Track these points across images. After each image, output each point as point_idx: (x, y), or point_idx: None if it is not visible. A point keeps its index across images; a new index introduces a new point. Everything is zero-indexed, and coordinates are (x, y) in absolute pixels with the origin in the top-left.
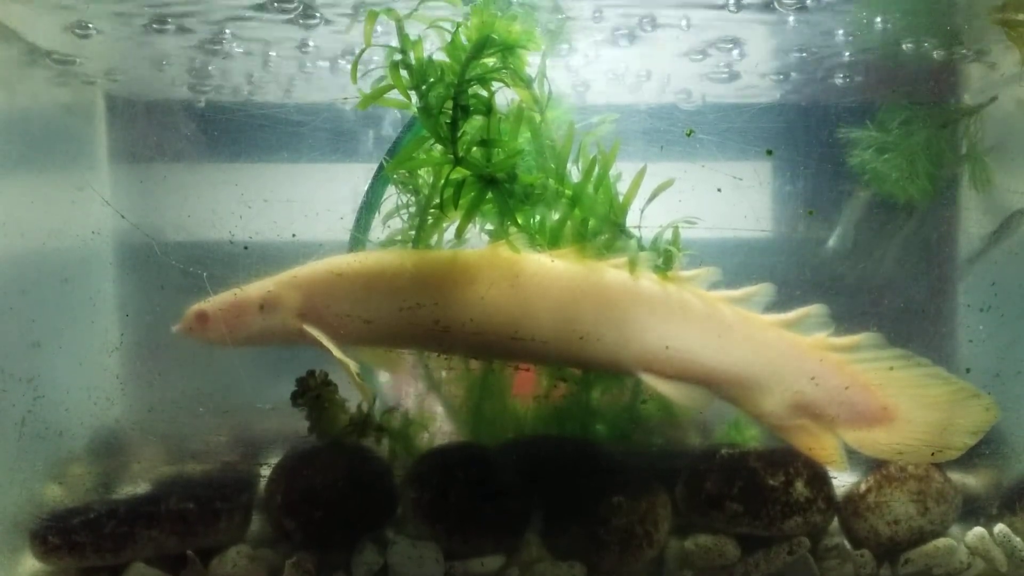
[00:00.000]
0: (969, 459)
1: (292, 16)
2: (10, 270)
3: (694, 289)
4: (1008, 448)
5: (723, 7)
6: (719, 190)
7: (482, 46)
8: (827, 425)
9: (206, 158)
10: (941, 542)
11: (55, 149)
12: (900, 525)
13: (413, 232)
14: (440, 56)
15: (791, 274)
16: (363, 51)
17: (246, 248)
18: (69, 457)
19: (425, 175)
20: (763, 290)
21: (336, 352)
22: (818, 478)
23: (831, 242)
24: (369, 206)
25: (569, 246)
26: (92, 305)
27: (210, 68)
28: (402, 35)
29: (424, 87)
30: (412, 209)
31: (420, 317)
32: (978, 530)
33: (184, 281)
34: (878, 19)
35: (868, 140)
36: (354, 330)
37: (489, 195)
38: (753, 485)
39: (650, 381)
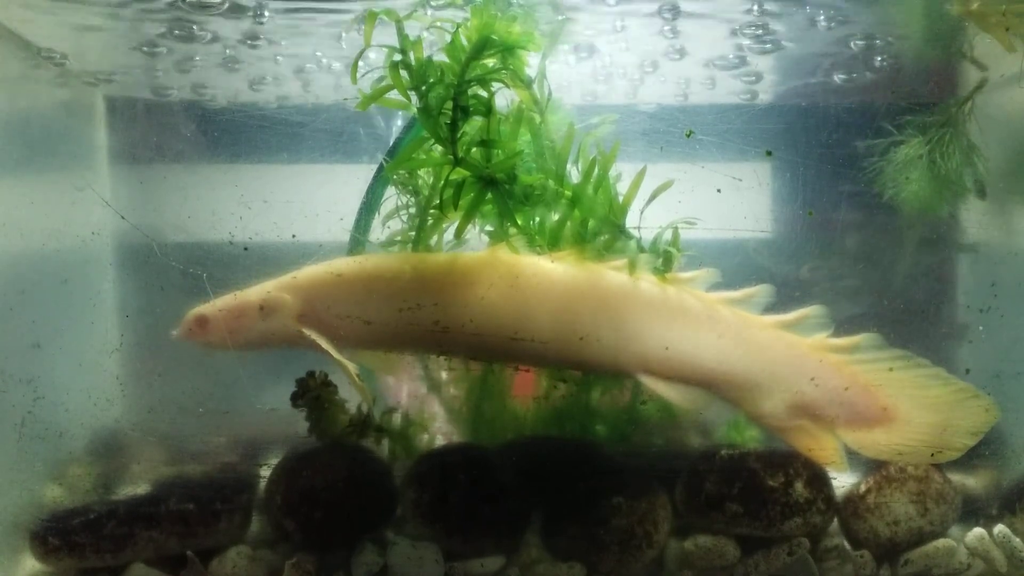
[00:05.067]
0: (969, 460)
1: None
2: (10, 271)
3: (693, 290)
4: (1008, 449)
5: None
6: (719, 191)
7: (482, 47)
8: (827, 426)
9: (206, 159)
10: (941, 543)
11: (55, 150)
12: (900, 526)
13: (413, 233)
14: (440, 57)
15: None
16: (363, 51)
17: (246, 249)
18: (69, 458)
19: (425, 176)
20: (762, 291)
21: (336, 354)
22: (818, 479)
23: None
24: (369, 207)
25: (569, 247)
26: (92, 306)
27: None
28: (402, 35)
29: (424, 88)
30: (412, 210)
31: (420, 318)
32: (978, 531)
33: (184, 282)
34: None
35: (899, 155)
36: (354, 332)
37: (489, 196)
38: (753, 486)
39: (649, 382)
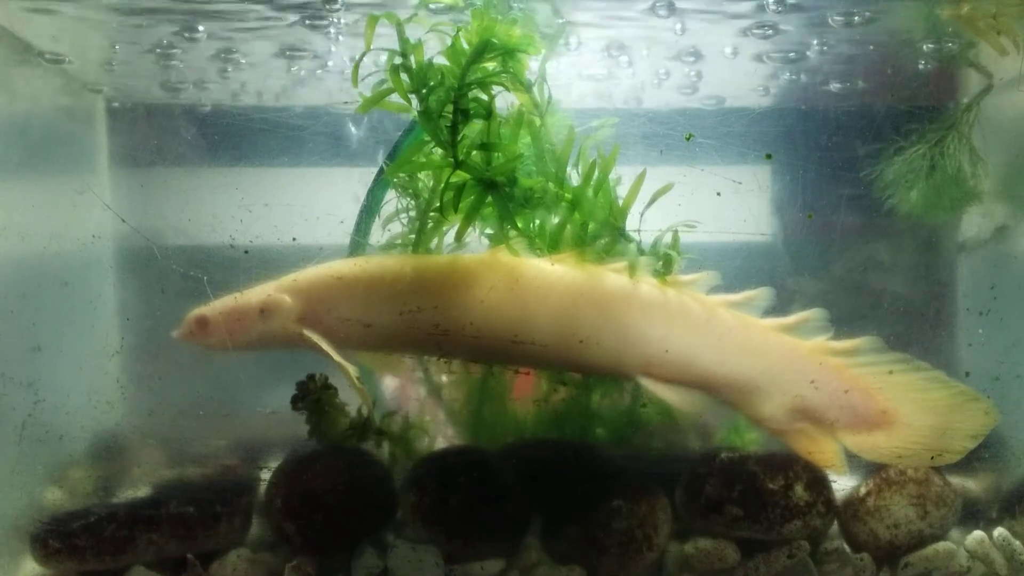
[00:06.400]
0: (969, 463)
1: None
2: (10, 274)
3: (693, 293)
4: (1008, 452)
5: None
6: (718, 194)
7: (482, 50)
8: (827, 429)
9: (206, 162)
10: (941, 546)
11: (56, 153)
12: (900, 529)
13: (413, 236)
14: (440, 60)
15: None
16: (363, 55)
17: (246, 252)
18: (69, 461)
19: (425, 179)
20: (762, 294)
21: (336, 356)
22: (818, 482)
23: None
24: (369, 210)
25: (569, 250)
26: (92, 309)
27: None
28: (402, 39)
29: (424, 91)
30: (412, 213)
31: (420, 321)
32: (978, 534)
33: (184, 285)
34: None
35: (902, 164)
36: (354, 334)
37: (489, 199)
38: (753, 489)
39: (649, 385)
